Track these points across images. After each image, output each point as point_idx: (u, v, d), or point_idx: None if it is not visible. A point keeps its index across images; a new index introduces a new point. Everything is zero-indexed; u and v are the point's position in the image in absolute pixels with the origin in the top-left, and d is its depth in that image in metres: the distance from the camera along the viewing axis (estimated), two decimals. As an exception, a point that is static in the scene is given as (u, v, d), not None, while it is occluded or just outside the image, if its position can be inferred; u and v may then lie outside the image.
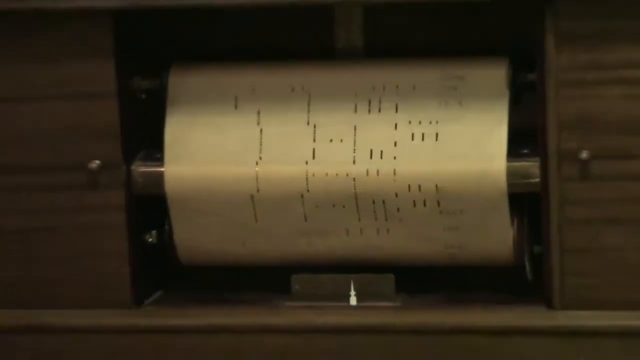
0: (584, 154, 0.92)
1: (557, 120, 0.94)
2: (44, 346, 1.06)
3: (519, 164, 0.96)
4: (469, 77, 0.99)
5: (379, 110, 0.98)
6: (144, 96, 1.05)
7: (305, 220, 0.99)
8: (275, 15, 1.05)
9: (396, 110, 0.98)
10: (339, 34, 1.08)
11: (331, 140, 0.98)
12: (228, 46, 1.11)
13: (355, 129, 0.99)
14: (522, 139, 0.99)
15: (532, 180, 0.97)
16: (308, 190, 1.00)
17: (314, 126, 0.99)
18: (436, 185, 0.97)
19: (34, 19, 1.00)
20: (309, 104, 1.00)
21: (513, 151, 0.96)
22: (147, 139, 1.05)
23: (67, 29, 1.00)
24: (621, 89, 0.92)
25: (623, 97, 0.92)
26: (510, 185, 0.95)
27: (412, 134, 0.97)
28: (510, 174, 0.95)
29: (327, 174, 1.00)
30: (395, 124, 0.98)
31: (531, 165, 0.96)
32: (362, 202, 1.00)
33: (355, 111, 0.99)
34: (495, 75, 0.98)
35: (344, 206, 1.00)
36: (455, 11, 1.05)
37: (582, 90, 0.92)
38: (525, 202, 1.00)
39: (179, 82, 1.03)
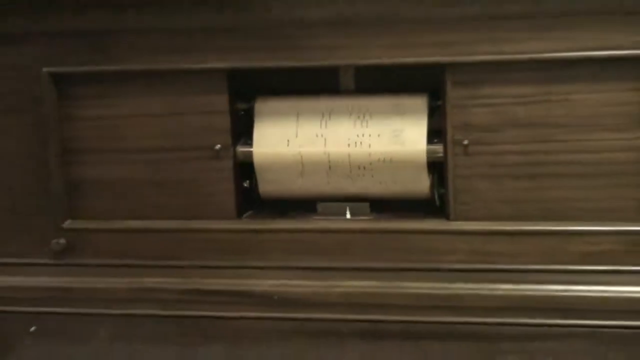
0: (465, 142, 1.34)
1: (452, 125, 1.35)
2: (191, 238, 1.44)
3: (433, 147, 1.38)
4: (408, 104, 1.40)
5: (362, 146, 1.38)
6: (242, 112, 1.47)
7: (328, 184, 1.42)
8: (311, 70, 1.42)
9: (369, 147, 1.38)
10: (341, 80, 1.49)
11: (336, 161, 1.39)
12: (286, 85, 1.48)
13: (349, 156, 1.39)
14: (435, 134, 1.39)
15: (439, 155, 1.38)
16: (328, 183, 1.41)
17: (328, 155, 1.39)
18: (394, 180, 1.39)
19: (187, 73, 1.39)
20: (325, 145, 1.40)
21: (430, 141, 1.38)
22: (244, 134, 1.45)
23: (203, 78, 1.39)
24: (483, 109, 1.32)
25: (485, 113, 1.32)
26: (428, 157, 1.38)
27: (378, 159, 1.37)
28: (428, 152, 1.38)
29: (337, 174, 1.40)
30: (369, 153, 1.38)
31: (439, 148, 1.38)
32: (356, 189, 1.42)
33: (349, 146, 1.39)
34: (421, 102, 1.40)
35: (346, 190, 1.43)
36: (401, 70, 1.40)
37: (464, 110, 1.34)
38: (436, 166, 1.41)
39: (261, 105, 1.44)
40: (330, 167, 1.39)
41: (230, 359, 1.42)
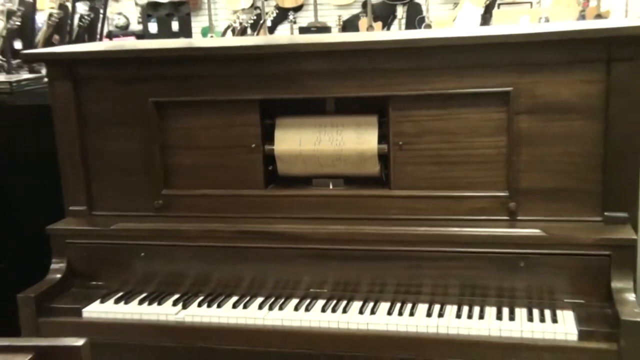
0: (400, 143, 1.93)
1: (392, 133, 1.94)
2: (236, 200, 1.99)
3: (381, 146, 1.98)
4: (366, 120, 1.98)
5: (339, 146, 1.93)
6: (268, 125, 2.05)
7: (321, 166, 2.00)
8: (309, 100, 1.98)
9: (344, 147, 1.93)
10: (327, 106, 2.07)
11: (324, 156, 1.93)
12: (295, 108, 2.03)
13: (331, 152, 1.93)
14: (383, 138, 1.98)
15: (385, 151, 1.96)
16: (319, 167, 1.97)
17: (319, 152, 1.93)
18: (358, 166, 1.95)
19: (235, 102, 1.97)
20: (318, 146, 1.96)
21: (379, 142, 1.97)
22: (269, 138, 2.04)
23: (245, 104, 1.97)
24: (411, 123, 1.91)
25: (412, 125, 1.91)
26: (378, 152, 1.97)
27: (349, 154, 1.91)
28: (378, 149, 1.97)
29: (324, 163, 1.97)
30: (343, 150, 1.92)
31: (385, 147, 1.97)
32: (336, 171, 1.98)
33: (331, 146, 1.94)
34: (372, 120, 1.99)
35: (330, 172, 2.00)
36: (362, 99, 1.96)
37: (400, 124, 1.92)
38: (383, 157, 1.99)
39: (280, 121, 2.04)
40: (320, 159, 2.02)
41: (260, 273, 2.00)
